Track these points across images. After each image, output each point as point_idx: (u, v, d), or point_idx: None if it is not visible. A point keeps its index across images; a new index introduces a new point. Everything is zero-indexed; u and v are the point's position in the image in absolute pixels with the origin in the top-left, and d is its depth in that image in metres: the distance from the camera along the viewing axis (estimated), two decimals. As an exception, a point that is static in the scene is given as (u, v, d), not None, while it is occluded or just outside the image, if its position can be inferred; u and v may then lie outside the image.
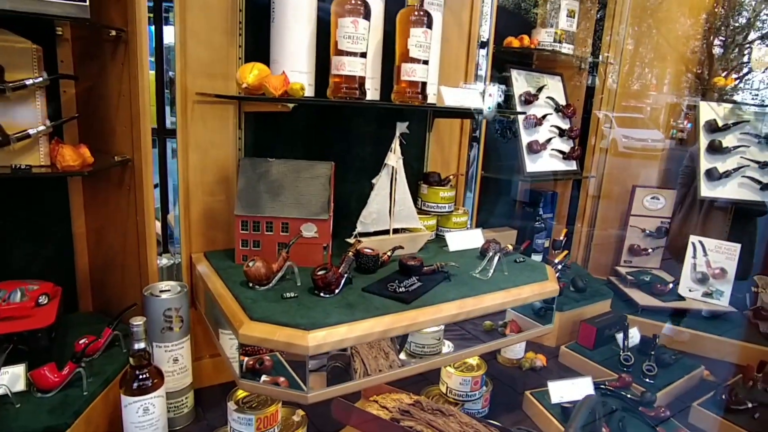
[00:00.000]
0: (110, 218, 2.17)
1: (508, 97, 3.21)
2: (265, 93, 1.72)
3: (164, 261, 2.28)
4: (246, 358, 1.97)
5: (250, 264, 1.78)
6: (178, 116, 1.99)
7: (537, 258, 3.46)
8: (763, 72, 3.56)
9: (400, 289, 1.79)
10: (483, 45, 2.81)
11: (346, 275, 1.79)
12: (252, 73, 1.72)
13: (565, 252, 3.36)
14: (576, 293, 3.17)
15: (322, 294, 1.74)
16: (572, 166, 3.44)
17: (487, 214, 3.37)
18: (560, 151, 3.35)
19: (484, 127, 3.03)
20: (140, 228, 2.03)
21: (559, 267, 3.25)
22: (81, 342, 1.89)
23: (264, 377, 1.90)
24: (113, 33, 1.87)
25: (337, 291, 1.76)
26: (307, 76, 1.96)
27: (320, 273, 1.73)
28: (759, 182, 3.26)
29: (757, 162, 3.29)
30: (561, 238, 3.42)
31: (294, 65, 1.93)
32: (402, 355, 2.09)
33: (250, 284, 1.79)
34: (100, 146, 2.06)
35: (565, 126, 3.41)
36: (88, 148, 1.85)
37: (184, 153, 2.05)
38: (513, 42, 3.07)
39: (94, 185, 2.18)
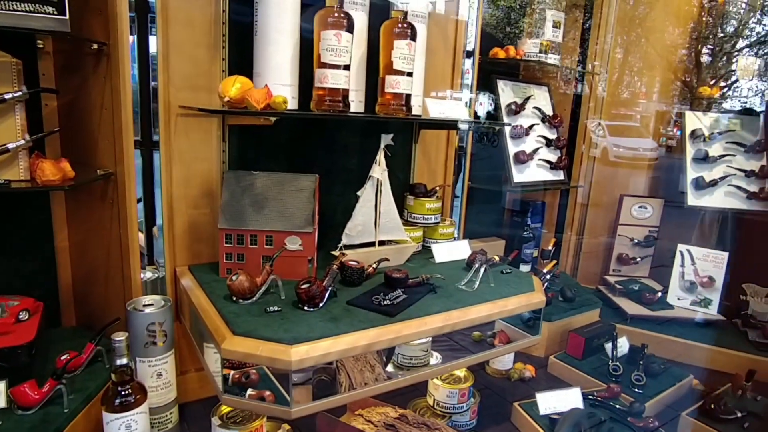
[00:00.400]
0: (93, 232, 2.15)
1: (495, 106, 3.21)
2: (247, 106, 1.71)
3: (148, 275, 2.26)
4: (232, 372, 1.96)
5: (234, 278, 1.76)
6: (161, 129, 1.98)
7: (526, 268, 3.46)
8: (750, 80, 3.59)
9: (385, 302, 1.77)
10: (469, 55, 2.82)
11: (330, 288, 1.78)
12: (234, 86, 1.71)
13: (554, 262, 3.36)
14: (565, 303, 3.16)
15: (306, 307, 1.73)
16: (560, 175, 3.45)
17: (476, 225, 3.36)
18: (547, 161, 3.35)
19: (470, 138, 3.03)
20: (123, 242, 2.01)
21: (548, 277, 3.25)
22: (62, 358, 1.86)
23: (250, 391, 1.88)
24: (95, 46, 1.86)
25: (321, 304, 1.74)
26: (290, 89, 1.96)
27: (304, 286, 1.71)
28: (745, 191, 3.27)
29: (743, 171, 3.30)
30: (550, 247, 3.42)
31: (277, 78, 1.92)
32: (390, 367, 2.07)
33: (234, 298, 1.78)
34: (82, 159, 2.04)
35: (552, 136, 3.41)
36: (71, 161, 1.83)
37: (167, 166, 2.04)
38: (499, 53, 3.08)
39: (77, 199, 2.16)
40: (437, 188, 2.55)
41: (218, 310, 1.72)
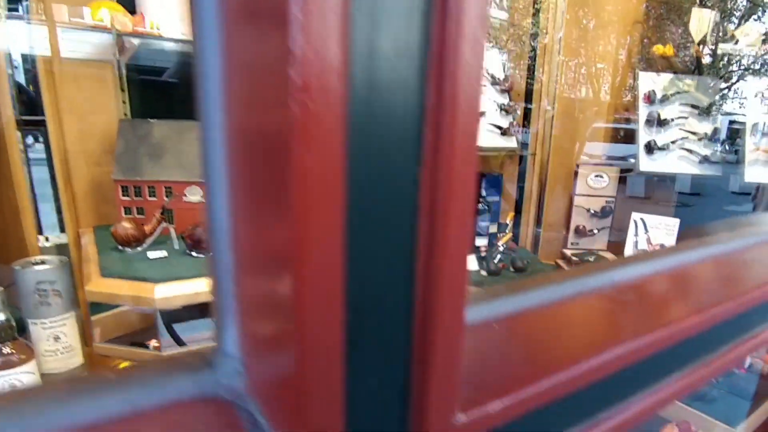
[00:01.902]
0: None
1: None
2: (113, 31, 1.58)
3: (53, 240, 2.12)
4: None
5: (118, 226, 1.63)
6: (41, 75, 1.81)
7: (482, 241, 3.33)
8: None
9: (282, 247, 1.64)
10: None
11: (222, 234, 1.65)
12: (99, 10, 1.58)
13: (509, 235, 3.25)
14: (515, 273, 3.04)
15: (194, 253, 1.60)
16: (512, 143, 3.31)
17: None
18: (498, 127, 3.22)
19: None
20: (13, 204, 1.87)
21: (501, 249, 3.14)
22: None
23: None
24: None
25: (211, 251, 1.61)
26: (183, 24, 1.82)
27: (190, 230, 1.59)
28: (698, 154, 3.15)
29: (696, 133, 3.19)
30: (507, 221, 3.31)
31: (162, 12, 1.78)
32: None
33: (120, 247, 1.64)
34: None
35: (504, 100, 3.28)
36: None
37: (55, 117, 1.88)
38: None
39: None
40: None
41: (100, 258, 1.59)
